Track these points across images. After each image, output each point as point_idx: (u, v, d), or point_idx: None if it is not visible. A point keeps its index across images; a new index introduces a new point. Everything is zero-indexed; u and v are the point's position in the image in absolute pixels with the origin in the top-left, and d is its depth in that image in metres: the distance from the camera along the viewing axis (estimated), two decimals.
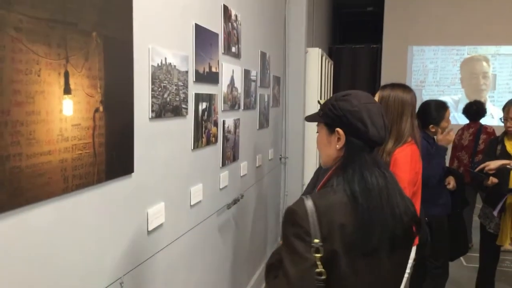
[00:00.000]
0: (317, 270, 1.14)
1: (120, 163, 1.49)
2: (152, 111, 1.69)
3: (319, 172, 3.01)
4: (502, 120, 2.99)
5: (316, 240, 1.14)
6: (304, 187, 3.22)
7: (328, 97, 2.85)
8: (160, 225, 1.80)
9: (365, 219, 1.18)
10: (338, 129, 1.28)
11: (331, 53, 7.34)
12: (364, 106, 1.26)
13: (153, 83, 1.68)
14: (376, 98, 2.26)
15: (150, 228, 1.71)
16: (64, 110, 1.20)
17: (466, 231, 3.15)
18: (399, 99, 2.18)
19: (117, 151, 1.46)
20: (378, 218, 1.20)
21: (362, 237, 1.17)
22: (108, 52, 1.38)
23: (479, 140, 4.70)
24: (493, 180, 2.86)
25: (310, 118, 1.47)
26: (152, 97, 1.68)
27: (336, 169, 1.30)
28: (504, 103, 3.08)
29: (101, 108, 1.36)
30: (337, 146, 1.30)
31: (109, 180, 1.43)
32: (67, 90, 1.21)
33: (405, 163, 2.11)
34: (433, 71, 7.43)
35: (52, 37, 1.15)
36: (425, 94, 7.22)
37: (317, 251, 1.13)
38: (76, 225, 1.29)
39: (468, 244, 3.22)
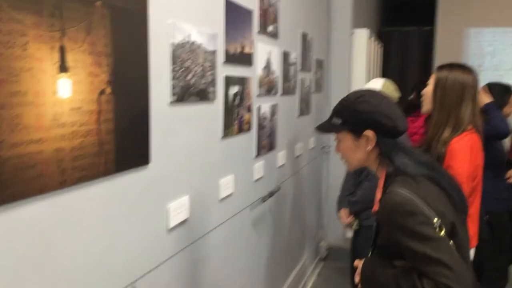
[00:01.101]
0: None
1: (134, 153, 1.32)
2: (173, 94, 1.50)
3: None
4: None
5: (435, 219, 1.14)
6: None
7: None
8: (184, 221, 1.63)
9: (451, 189, 1.27)
10: (367, 131, 1.30)
11: (380, 36, 6.93)
12: (384, 102, 1.30)
13: (174, 63, 1.49)
14: (432, 80, 1.98)
15: (171, 225, 1.54)
16: (60, 91, 1.03)
17: None
18: (459, 81, 1.89)
19: (129, 139, 1.29)
20: (454, 183, 1.32)
21: (461, 204, 1.28)
22: (116, 25, 1.20)
23: None
24: None
25: (326, 129, 1.43)
26: (173, 79, 1.49)
27: (386, 167, 1.31)
28: None
29: (108, 90, 1.18)
30: (368, 147, 1.32)
31: (120, 172, 1.26)
32: (63, 68, 1.04)
33: (464, 155, 1.83)
34: (491, 55, 6.87)
35: (44, 5, 0.97)
36: (482, 79, 6.68)
37: (441, 228, 1.15)
38: (77, 223, 1.12)
39: None
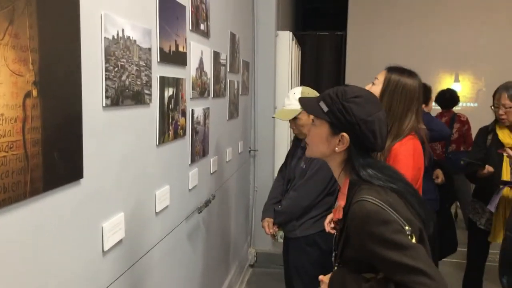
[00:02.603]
0: None
1: (65, 167, 1.11)
2: (107, 97, 1.30)
3: (284, 174, 2.61)
4: (493, 108, 2.77)
5: (407, 227, 1.11)
6: None
7: (297, 87, 2.45)
8: (119, 242, 1.43)
9: (417, 203, 1.22)
10: (344, 134, 1.22)
11: (296, 40, 7.03)
12: (377, 116, 1.21)
13: (107, 61, 1.30)
14: (381, 79, 1.90)
15: (106, 247, 1.34)
16: None
17: (455, 228, 2.94)
18: (407, 91, 1.81)
19: (59, 151, 1.08)
20: (419, 198, 1.27)
21: (426, 219, 1.22)
22: (44, 13, 0.99)
23: (452, 129, 4.54)
24: (489, 168, 2.62)
25: (309, 107, 1.33)
26: (106, 79, 1.30)
27: (349, 175, 1.25)
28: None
29: (34, 92, 0.97)
30: (337, 149, 1.24)
31: (49, 191, 1.05)
32: None
33: (408, 159, 1.81)
34: (397, 60, 7.25)
35: None
36: None
37: (412, 236, 1.11)
38: (1, 254, 0.90)
39: (457, 241, 3.01)
